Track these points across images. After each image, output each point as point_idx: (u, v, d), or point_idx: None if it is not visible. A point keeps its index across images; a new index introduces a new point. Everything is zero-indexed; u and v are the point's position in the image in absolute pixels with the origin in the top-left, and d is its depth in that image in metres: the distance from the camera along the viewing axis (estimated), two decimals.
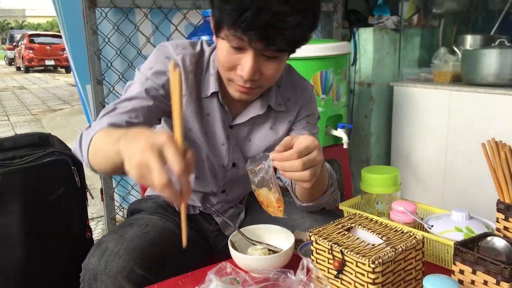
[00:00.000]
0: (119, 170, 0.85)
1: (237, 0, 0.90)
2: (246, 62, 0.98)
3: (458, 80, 2.43)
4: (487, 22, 2.66)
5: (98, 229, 2.85)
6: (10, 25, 44.49)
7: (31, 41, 17.69)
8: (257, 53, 0.97)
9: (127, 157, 0.72)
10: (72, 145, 1.03)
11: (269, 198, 0.93)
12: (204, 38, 1.88)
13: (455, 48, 2.58)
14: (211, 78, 1.13)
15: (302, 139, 0.91)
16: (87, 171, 1.39)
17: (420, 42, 2.85)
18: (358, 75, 2.75)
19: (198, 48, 1.15)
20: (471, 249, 0.79)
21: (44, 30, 32.04)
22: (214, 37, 1.06)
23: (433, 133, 2.44)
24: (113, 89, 2.13)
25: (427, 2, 2.81)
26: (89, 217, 1.42)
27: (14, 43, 22.69)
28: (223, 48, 1.00)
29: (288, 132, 1.24)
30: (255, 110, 1.16)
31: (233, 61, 1.00)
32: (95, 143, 0.95)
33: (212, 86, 1.12)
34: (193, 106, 1.13)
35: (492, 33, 2.55)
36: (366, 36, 2.67)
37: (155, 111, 1.08)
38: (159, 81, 1.08)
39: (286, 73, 1.23)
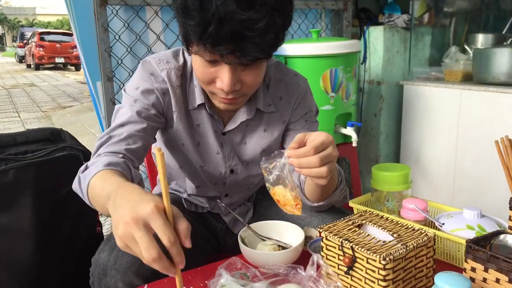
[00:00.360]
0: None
1: (199, 13, 0.84)
2: (223, 75, 0.94)
3: (469, 79, 2.41)
4: (499, 21, 2.64)
5: (107, 225, 2.86)
6: (20, 23, 44.93)
7: (42, 39, 17.84)
8: (232, 64, 0.92)
9: (113, 223, 0.69)
10: (73, 185, 0.98)
11: (286, 196, 0.91)
12: None
13: (466, 47, 2.56)
14: (195, 89, 1.10)
15: (316, 135, 0.89)
16: None
17: (431, 40, 2.83)
18: (367, 74, 2.74)
19: (180, 59, 1.11)
20: (483, 247, 0.78)
21: (54, 28, 32.29)
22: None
23: (443, 132, 2.42)
24: (123, 86, 2.14)
25: (438, 0, 2.79)
26: (99, 213, 1.43)
27: (25, 41, 22.90)
28: (197, 62, 0.96)
29: (286, 133, 1.22)
30: (243, 115, 1.14)
31: (210, 75, 0.96)
32: (92, 188, 0.90)
33: (198, 97, 1.10)
34: (183, 120, 1.11)
35: (504, 32, 2.53)
36: (376, 35, 2.66)
37: (150, 132, 1.06)
38: (148, 101, 1.05)
39: (274, 71, 1.19)
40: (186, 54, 1.12)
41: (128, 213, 0.66)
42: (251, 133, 1.19)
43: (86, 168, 0.96)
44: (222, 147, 1.17)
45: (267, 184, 0.92)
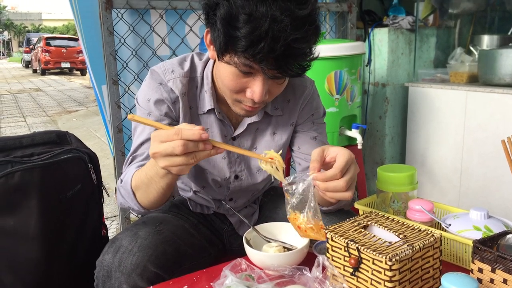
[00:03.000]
0: (166, 188, 0.95)
1: (249, 27, 0.84)
2: (256, 86, 0.95)
3: (474, 80, 2.40)
4: (504, 22, 2.63)
5: (112, 229, 2.87)
6: (27, 29, 45.27)
7: (48, 44, 17.95)
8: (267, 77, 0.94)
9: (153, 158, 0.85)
10: (117, 202, 1.09)
11: (310, 221, 0.87)
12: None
13: (471, 48, 2.55)
14: (206, 94, 1.11)
15: (337, 153, 0.89)
16: (103, 169, 1.40)
17: (436, 42, 2.82)
18: (372, 76, 2.73)
19: (187, 65, 1.11)
20: (490, 247, 0.78)
21: (60, 33, 32.51)
22: (211, 54, 1.03)
23: (449, 134, 2.41)
24: (128, 89, 2.15)
25: (443, 2, 2.79)
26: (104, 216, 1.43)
27: (31, 46, 23.06)
28: (228, 72, 0.96)
29: (293, 134, 1.23)
30: (251, 118, 1.14)
31: (241, 85, 0.97)
32: (137, 184, 0.99)
33: (207, 103, 1.11)
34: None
35: (509, 33, 2.52)
36: (381, 37, 2.66)
37: None
38: (160, 111, 1.08)
39: None
40: (196, 59, 1.13)
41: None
42: (260, 137, 1.19)
43: (121, 181, 1.05)
44: (229, 152, 1.17)
45: (287, 209, 0.89)
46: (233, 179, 1.20)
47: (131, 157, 1.08)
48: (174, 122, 1.10)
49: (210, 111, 1.12)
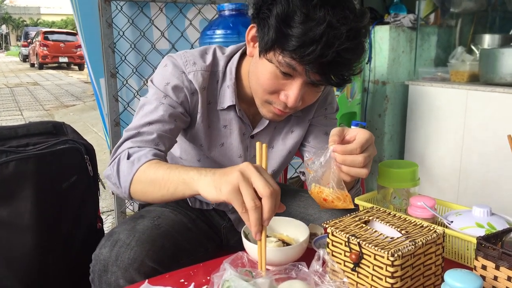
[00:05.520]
0: (172, 198, 0.89)
1: (304, 28, 0.83)
2: (293, 90, 0.93)
3: (475, 79, 2.39)
4: (505, 21, 2.62)
5: (108, 223, 2.85)
6: (25, 23, 45.11)
7: (46, 38, 17.91)
8: (306, 81, 0.92)
9: (217, 176, 0.79)
10: (106, 171, 0.99)
11: (336, 192, 0.88)
12: (219, 32, 1.87)
13: (472, 47, 2.54)
14: (227, 90, 1.09)
15: (358, 132, 0.87)
16: (100, 164, 1.38)
17: (437, 41, 2.81)
18: (372, 74, 2.72)
19: (209, 58, 1.09)
20: (494, 244, 0.76)
21: (59, 28, 32.38)
22: (249, 50, 1.01)
23: (449, 132, 2.40)
24: (127, 82, 2.13)
25: (444, 1, 2.78)
26: (99, 211, 1.41)
27: (29, 40, 23.00)
28: (267, 70, 0.94)
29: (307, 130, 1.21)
30: None
31: (277, 86, 0.95)
32: (147, 172, 0.92)
33: (228, 99, 1.09)
34: (207, 121, 1.10)
35: (510, 33, 2.51)
36: (382, 34, 2.65)
37: (176, 133, 1.06)
38: (178, 98, 1.04)
39: None
40: (219, 53, 1.11)
41: (237, 167, 0.77)
42: (278, 135, 1.18)
43: (129, 156, 0.96)
44: (246, 150, 1.15)
45: (311, 184, 0.88)
46: None
47: (136, 131, 1.00)
48: (186, 114, 1.07)
49: (230, 107, 1.10)
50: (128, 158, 0.96)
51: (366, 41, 0.94)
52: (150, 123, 1.01)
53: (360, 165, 0.85)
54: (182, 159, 1.20)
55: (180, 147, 1.18)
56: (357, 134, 0.87)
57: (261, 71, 0.96)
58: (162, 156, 0.99)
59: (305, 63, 0.86)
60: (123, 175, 0.95)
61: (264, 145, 0.83)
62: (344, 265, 0.81)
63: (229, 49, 1.12)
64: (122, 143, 1.01)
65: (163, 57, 1.12)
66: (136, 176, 0.93)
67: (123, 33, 2.08)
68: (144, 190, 0.94)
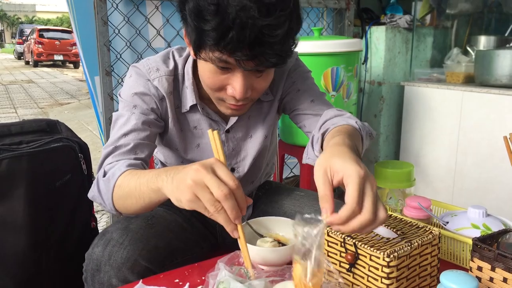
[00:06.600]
0: (152, 207, 0.88)
1: (216, 18, 0.80)
2: (236, 82, 0.90)
3: (470, 81, 2.40)
4: (501, 23, 2.63)
5: (102, 222, 2.84)
6: (20, 20, 44.83)
7: (41, 36, 17.79)
8: (246, 71, 0.89)
9: (175, 184, 0.76)
10: (89, 193, 0.99)
11: (306, 276, 0.66)
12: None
13: (468, 49, 2.54)
14: (187, 91, 1.07)
15: (343, 174, 0.68)
16: (94, 163, 1.37)
17: (433, 42, 2.82)
18: (368, 74, 2.72)
19: (171, 63, 1.07)
20: (490, 245, 0.76)
21: (54, 26, 32.21)
22: (191, 54, 0.99)
23: (444, 134, 2.41)
24: (122, 81, 2.11)
25: (440, 2, 2.78)
26: (94, 208, 1.40)
27: (24, 38, 22.84)
28: (206, 69, 0.92)
29: (281, 104, 1.16)
30: None
31: (220, 82, 0.93)
32: (122, 186, 0.90)
33: (189, 100, 1.07)
34: (178, 124, 1.10)
35: (506, 35, 2.52)
36: (378, 35, 2.65)
37: (153, 138, 1.05)
38: (147, 105, 1.04)
39: None
40: (176, 56, 1.09)
41: (196, 165, 0.73)
42: (254, 123, 1.17)
43: (105, 174, 0.95)
44: (224, 145, 1.14)
45: (295, 256, 0.67)
46: None
47: (112, 146, 0.99)
48: (159, 119, 1.07)
49: (193, 108, 1.09)
50: (104, 176, 0.95)
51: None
52: (125, 135, 1.00)
53: (371, 221, 0.66)
54: (167, 163, 1.20)
55: (162, 153, 1.19)
56: (344, 178, 0.68)
57: (201, 71, 0.95)
58: (138, 164, 0.97)
59: (230, 52, 0.83)
60: (104, 194, 0.94)
61: (215, 132, 0.79)
62: (340, 266, 0.81)
63: (187, 50, 1.10)
64: (103, 161, 1.00)
65: None
66: (115, 192, 0.92)
67: (119, 31, 2.06)
68: (125, 205, 0.92)
